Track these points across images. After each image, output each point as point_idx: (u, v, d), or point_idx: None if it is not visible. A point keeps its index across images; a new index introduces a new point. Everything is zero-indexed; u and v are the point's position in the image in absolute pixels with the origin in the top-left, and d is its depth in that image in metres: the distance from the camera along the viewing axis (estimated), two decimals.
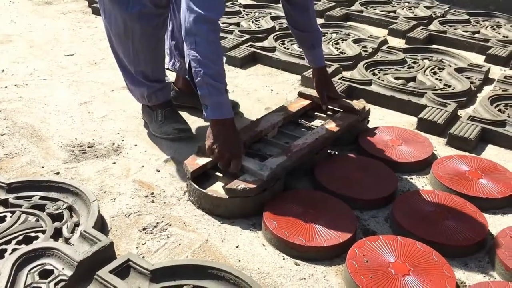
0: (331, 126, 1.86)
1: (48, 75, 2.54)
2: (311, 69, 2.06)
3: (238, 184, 1.51)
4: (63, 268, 1.24)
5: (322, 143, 1.77)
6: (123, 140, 1.96)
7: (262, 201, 1.53)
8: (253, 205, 1.53)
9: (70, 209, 1.49)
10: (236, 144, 1.58)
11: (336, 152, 1.90)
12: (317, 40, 1.97)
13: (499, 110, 2.21)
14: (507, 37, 3.19)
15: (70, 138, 1.96)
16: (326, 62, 2.59)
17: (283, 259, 1.39)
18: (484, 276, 1.36)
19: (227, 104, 1.57)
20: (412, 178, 1.79)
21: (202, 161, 1.63)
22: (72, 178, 1.71)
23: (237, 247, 1.42)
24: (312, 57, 2.00)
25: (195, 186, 1.56)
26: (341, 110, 1.99)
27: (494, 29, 3.37)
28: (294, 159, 1.64)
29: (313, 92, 2.09)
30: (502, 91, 2.40)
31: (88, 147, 1.90)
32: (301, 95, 2.10)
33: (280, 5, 3.64)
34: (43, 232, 1.38)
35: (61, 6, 3.74)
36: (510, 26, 3.43)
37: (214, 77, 1.50)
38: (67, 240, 1.36)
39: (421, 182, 1.77)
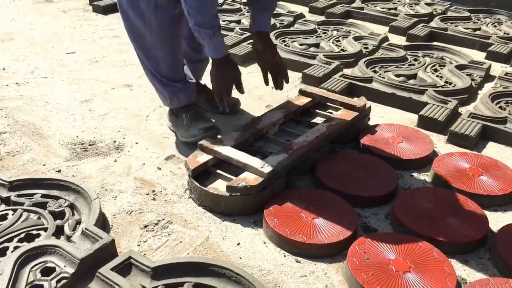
0: (332, 123, 1.86)
1: (49, 73, 2.54)
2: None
3: (239, 182, 1.51)
4: (65, 266, 1.25)
5: (323, 141, 1.78)
6: (124, 138, 1.96)
7: (263, 199, 1.54)
8: (254, 203, 1.54)
9: (72, 207, 1.49)
10: (230, 72, 1.79)
11: (337, 150, 1.90)
12: (272, 4, 1.95)
13: (500, 107, 2.21)
14: (508, 34, 3.19)
15: (71, 136, 1.96)
16: (327, 59, 2.62)
17: (284, 256, 1.39)
18: (485, 273, 1.36)
19: (218, 45, 1.74)
20: (412, 176, 1.79)
21: (203, 159, 1.63)
22: (73, 176, 1.71)
23: (238, 244, 1.43)
24: (259, 19, 1.93)
25: (196, 183, 1.56)
26: (342, 108, 2.00)
27: (495, 26, 3.36)
28: (295, 157, 1.64)
29: (314, 90, 2.10)
30: (503, 88, 2.39)
31: (89, 145, 1.90)
32: (302, 92, 2.10)
33: (281, 3, 3.66)
34: (45, 230, 1.39)
35: (61, 4, 3.74)
36: (511, 23, 3.42)
37: (201, 25, 1.66)
38: (68, 238, 1.36)
39: (422, 180, 1.77)
